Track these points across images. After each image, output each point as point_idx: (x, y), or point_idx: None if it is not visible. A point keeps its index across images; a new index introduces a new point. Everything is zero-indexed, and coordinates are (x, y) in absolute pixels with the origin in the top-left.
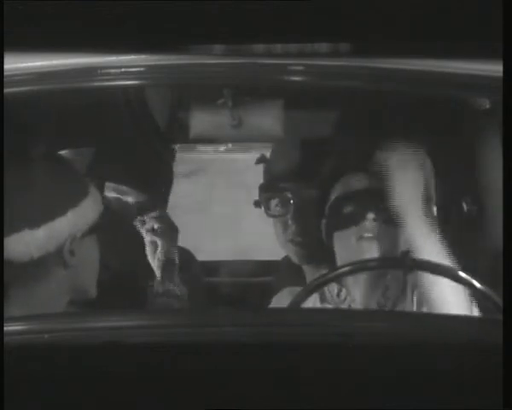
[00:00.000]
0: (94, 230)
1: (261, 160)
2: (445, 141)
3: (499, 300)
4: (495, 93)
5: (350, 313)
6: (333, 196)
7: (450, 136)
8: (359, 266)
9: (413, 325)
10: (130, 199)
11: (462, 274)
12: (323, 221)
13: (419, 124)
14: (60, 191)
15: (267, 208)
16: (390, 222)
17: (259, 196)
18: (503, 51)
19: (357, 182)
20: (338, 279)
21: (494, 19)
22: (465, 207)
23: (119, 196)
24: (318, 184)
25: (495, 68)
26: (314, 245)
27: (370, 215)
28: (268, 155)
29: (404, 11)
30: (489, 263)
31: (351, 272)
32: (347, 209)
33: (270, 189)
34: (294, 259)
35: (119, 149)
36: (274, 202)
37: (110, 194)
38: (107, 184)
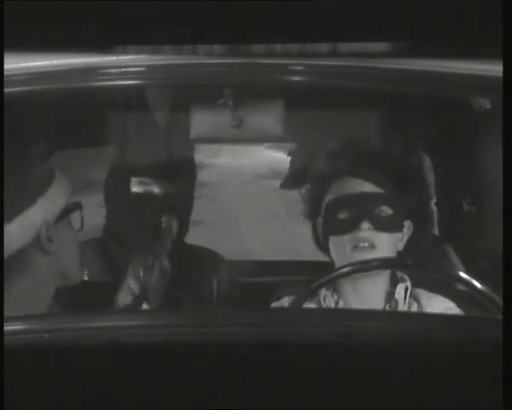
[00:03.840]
0: (66, 213)
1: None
2: (445, 141)
3: (499, 300)
4: (495, 93)
5: (350, 313)
6: (328, 197)
7: (451, 136)
8: (359, 267)
9: (413, 325)
10: (156, 190)
11: (461, 274)
12: (319, 220)
13: (419, 124)
14: (23, 182)
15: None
16: (386, 231)
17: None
18: (503, 51)
19: (352, 186)
20: (338, 281)
21: (494, 19)
22: (465, 207)
23: (145, 188)
24: (314, 182)
25: (495, 68)
26: None
27: (365, 225)
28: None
29: (404, 11)
30: (489, 263)
31: (350, 273)
32: (342, 214)
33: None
34: None
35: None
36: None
37: (136, 188)
38: (133, 179)
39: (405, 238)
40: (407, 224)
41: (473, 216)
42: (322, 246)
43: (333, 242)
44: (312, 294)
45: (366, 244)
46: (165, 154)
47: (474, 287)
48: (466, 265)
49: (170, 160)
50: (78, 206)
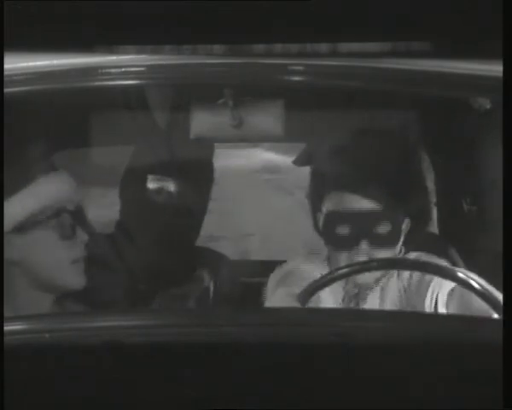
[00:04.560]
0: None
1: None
2: (445, 141)
3: (499, 300)
4: (495, 93)
5: (350, 313)
6: (327, 205)
7: (451, 136)
8: (360, 268)
9: (413, 325)
10: (172, 188)
11: (461, 274)
12: (319, 215)
13: (419, 124)
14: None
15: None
16: (384, 247)
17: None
18: (503, 51)
19: (351, 201)
20: (336, 281)
21: (494, 19)
22: (465, 207)
23: (161, 185)
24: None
25: (495, 68)
26: None
27: (364, 245)
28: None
29: (404, 12)
30: (489, 263)
31: (350, 273)
32: (341, 230)
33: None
34: None
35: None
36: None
37: (152, 185)
38: (150, 177)
39: (402, 236)
40: (405, 223)
41: (473, 216)
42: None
43: (331, 252)
44: (311, 295)
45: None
46: (181, 154)
47: (474, 287)
48: (466, 265)
49: (188, 160)
50: (61, 211)
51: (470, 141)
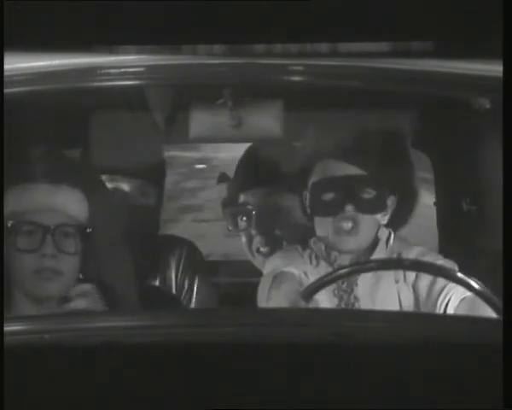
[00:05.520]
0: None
1: (222, 178)
2: (445, 141)
3: (499, 300)
4: (495, 93)
5: (350, 313)
6: (313, 178)
7: (451, 136)
8: (359, 268)
9: (413, 325)
10: (125, 187)
11: (461, 275)
12: (305, 193)
13: (419, 124)
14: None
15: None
16: (370, 212)
17: (223, 213)
18: (503, 51)
19: (336, 168)
20: (337, 281)
21: (494, 19)
22: (465, 207)
23: (116, 185)
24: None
25: (495, 68)
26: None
27: (349, 208)
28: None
29: (404, 12)
30: (489, 263)
31: (350, 274)
32: (326, 196)
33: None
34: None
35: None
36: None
37: (110, 184)
38: (104, 177)
39: (389, 212)
40: (391, 199)
41: (473, 216)
42: (308, 214)
43: (317, 222)
44: (310, 296)
45: (350, 225)
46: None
47: (473, 287)
48: (466, 264)
49: (142, 159)
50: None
51: (470, 141)
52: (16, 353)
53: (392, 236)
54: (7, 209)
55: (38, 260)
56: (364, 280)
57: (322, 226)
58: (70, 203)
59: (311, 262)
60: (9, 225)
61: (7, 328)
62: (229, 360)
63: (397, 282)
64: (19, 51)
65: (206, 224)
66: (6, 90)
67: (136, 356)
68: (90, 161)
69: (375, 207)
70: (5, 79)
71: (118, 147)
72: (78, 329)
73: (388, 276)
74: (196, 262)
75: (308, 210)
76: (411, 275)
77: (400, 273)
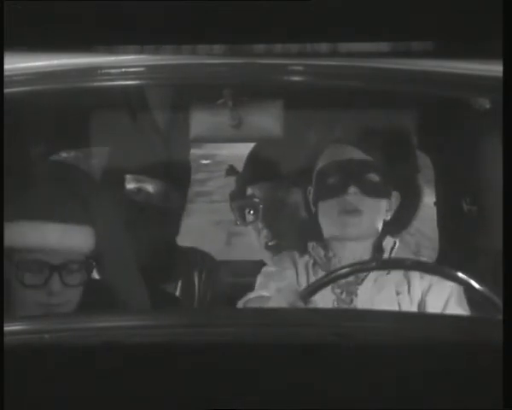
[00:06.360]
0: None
1: (230, 172)
2: (445, 141)
3: (498, 300)
4: (495, 93)
5: (350, 313)
6: (319, 165)
7: (451, 136)
8: (360, 268)
9: (413, 325)
10: (150, 188)
11: (461, 275)
12: (310, 189)
13: (419, 124)
14: None
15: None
16: (373, 196)
17: (231, 206)
18: (503, 51)
19: (342, 153)
20: (336, 281)
21: (494, 19)
22: (465, 207)
23: (139, 185)
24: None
25: (495, 68)
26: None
27: (352, 189)
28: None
29: (404, 12)
30: (489, 263)
31: (349, 274)
32: (331, 180)
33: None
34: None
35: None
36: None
37: (131, 185)
38: (128, 177)
39: (393, 209)
40: (395, 194)
41: (473, 216)
42: (312, 214)
43: (321, 207)
44: (310, 297)
45: (353, 206)
46: (162, 154)
47: (473, 287)
48: (466, 265)
49: (166, 160)
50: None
51: (470, 141)
52: (16, 353)
53: (397, 245)
54: (14, 244)
55: (44, 297)
56: (364, 291)
57: (327, 212)
58: (77, 241)
59: (307, 272)
60: (16, 260)
61: (7, 328)
62: (229, 360)
63: (398, 294)
64: (19, 51)
65: (218, 204)
66: (6, 90)
67: (136, 356)
68: (102, 192)
69: (379, 191)
70: (5, 79)
71: (143, 147)
72: (78, 329)
73: (389, 287)
74: (217, 279)
75: (312, 207)
76: (417, 289)
77: (403, 285)
